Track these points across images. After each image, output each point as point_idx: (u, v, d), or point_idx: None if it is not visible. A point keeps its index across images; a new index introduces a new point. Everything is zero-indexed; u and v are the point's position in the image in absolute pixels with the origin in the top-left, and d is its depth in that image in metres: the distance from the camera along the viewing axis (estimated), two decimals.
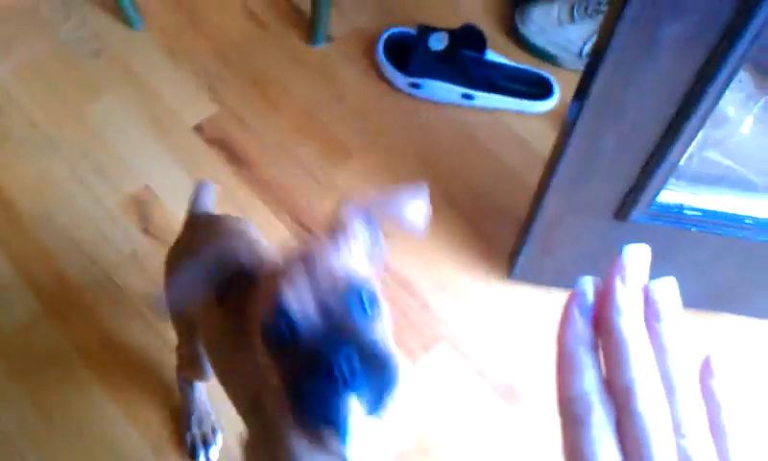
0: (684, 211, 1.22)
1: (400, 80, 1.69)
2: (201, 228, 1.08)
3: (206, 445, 1.27)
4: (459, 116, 1.69)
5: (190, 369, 1.21)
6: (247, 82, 1.71)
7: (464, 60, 1.63)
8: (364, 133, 1.65)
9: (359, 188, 1.57)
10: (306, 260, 0.68)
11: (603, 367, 0.33)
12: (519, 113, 1.69)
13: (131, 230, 1.51)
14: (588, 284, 0.35)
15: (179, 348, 1.21)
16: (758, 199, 1.26)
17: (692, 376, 0.33)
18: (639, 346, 0.32)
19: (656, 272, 1.10)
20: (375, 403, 0.64)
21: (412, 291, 1.47)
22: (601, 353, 0.33)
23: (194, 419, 1.28)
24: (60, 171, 1.57)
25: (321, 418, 0.64)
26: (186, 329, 1.11)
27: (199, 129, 1.63)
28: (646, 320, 0.33)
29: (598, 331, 0.33)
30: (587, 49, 1.71)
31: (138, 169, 1.58)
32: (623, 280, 0.34)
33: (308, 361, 0.63)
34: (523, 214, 1.37)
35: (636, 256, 0.34)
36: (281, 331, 0.65)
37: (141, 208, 1.53)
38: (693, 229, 1.23)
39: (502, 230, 1.53)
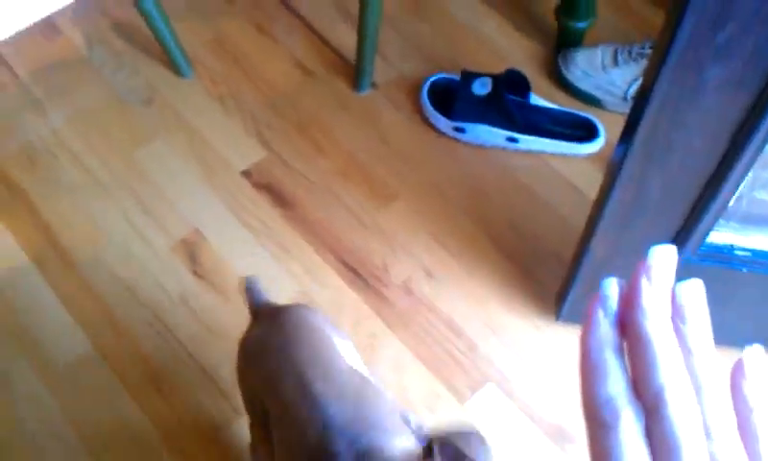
0: (735, 252, 1.21)
1: (444, 124, 1.71)
2: (272, 319, 1.03)
3: None
4: (504, 160, 1.70)
5: (263, 448, 1.10)
6: (293, 127, 1.74)
7: (508, 103, 1.65)
8: (408, 177, 1.67)
9: (404, 231, 1.59)
10: None
11: (629, 371, 0.32)
12: (565, 156, 1.69)
13: (180, 272, 1.54)
14: (613, 286, 0.34)
15: (251, 426, 1.15)
16: None
17: (720, 379, 0.32)
18: (667, 348, 0.31)
19: (711, 315, 1.07)
20: None
21: (459, 332, 1.47)
22: (627, 358, 0.33)
23: None
24: (111, 216, 1.61)
25: None
26: (260, 418, 1.02)
27: (247, 174, 1.67)
28: (673, 322, 0.33)
29: (624, 335, 0.33)
30: (631, 92, 1.71)
31: (187, 213, 1.61)
32: (649, 281, 0.33)
33: None
34: (570, 256, 1.37)
35: (663, 257, 0.33)
36: None
37: (190, 251, 1.56)
38: (744, 269, 1.21)
39: (549, 273, 1.53)
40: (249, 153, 1.70)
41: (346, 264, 1.55)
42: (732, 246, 1.20)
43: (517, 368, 1.43)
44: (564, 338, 1.47)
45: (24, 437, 1.36)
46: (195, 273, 1.53)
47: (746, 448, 0.31)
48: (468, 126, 1.68)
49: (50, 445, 1.35)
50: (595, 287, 1.19)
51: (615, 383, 0.31)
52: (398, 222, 1.61)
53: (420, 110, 1.76)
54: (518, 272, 1.54)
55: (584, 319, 0.33)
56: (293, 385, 0.88)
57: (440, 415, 1.38)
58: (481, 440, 0.78)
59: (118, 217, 1.61)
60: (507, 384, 1.41)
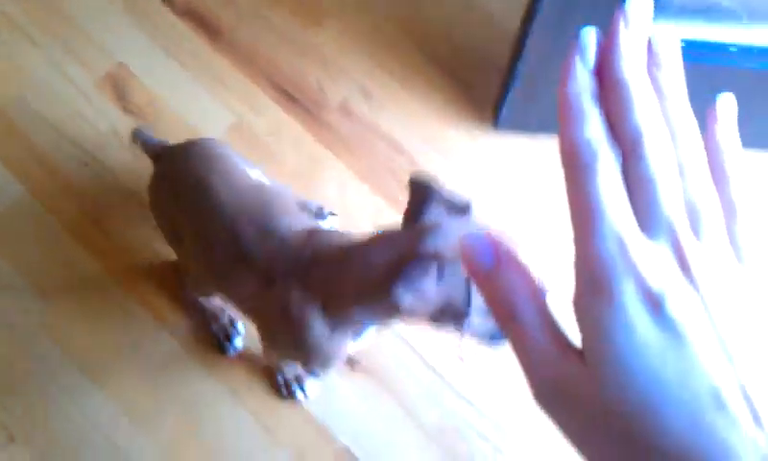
0: None
1: None
2: (175, 156, 1.09)
3: (230, 338, 1.30)
4: None
5: (197, 289, 1.24)
6: None
7: None
8: None
9: (338, 50, 1.54)
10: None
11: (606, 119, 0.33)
12: None
13: (108, 108, 1.48)
14: (591, 35, 0.34)
15: (181, 270, 1.25)
16: (742, 28, 1.24)
17: (693, 123, 0.33)
18: (644, 91, 0.32)
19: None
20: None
21: (399, 149, 1.47)
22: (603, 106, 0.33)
23: (210, 318, 1.31)
24: (31, 57, 1.53)
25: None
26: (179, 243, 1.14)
27: (168, 1, 1.58)
28: (648, 69, 0.33)
29: (601, 84, 0.33)
30: None
31: (111, 48, 1.54)
32: (626, 26, 0.33)
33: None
34: (505, 62, 1.35)
35: (639, 4, 0.33)
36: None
37: (118, 86, 1.50)
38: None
39: (485, 81, 1.52)
40: None
41: (281, 90, 1.51)
42: None
43: (459, 179, 1.45)
44: (503, 145, 1.48)
45: None
46: (125, 109, 1.48)
47: (717, 188, 0.32)
48: None
49: (4, 298, 1.34)
50: (533, 92, 1.19)
51: (594, 127, 0.32)
52: (331, 41, 1.56)
53: None
54: (456, 84, 1.53)
55: (562, 68, 0.33)
56: (207, 206, 0.99)
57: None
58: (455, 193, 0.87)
59: (39, 58, 1.53)
60: None
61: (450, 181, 1.44)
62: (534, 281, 0.34)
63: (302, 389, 1.26)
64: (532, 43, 1.19)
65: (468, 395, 1.30)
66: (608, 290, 0.30)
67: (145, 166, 1.21)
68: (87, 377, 1.29)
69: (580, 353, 0.31)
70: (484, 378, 1.31)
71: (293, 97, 1.50)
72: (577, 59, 0.33)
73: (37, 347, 1.31)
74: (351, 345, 0.96)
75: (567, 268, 1.37)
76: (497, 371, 1.31)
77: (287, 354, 1.03)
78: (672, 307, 0.29)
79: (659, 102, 0.32)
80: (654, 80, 0.33)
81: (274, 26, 1.56)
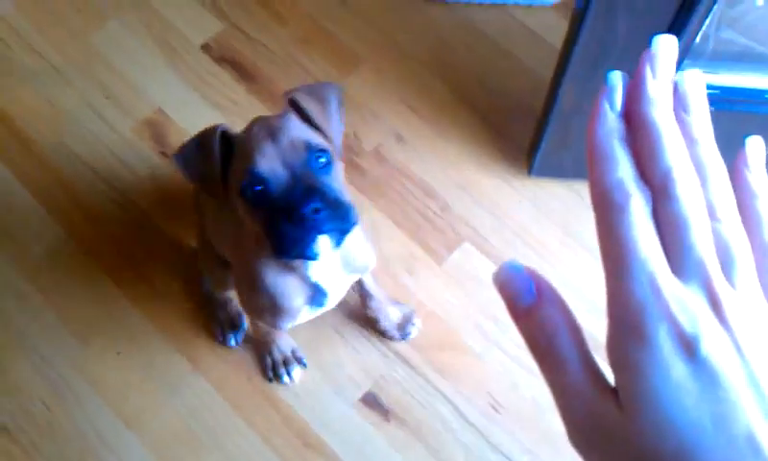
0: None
1: None
2: None
3: (235, 330, 1.36)
4: (468, 14, 1.66)
5: (223, 281, 1.29)
6: None
7: None
8: (372, 39, 1.63)
9: (372, 96, 1.56)
10: (270, 130, 0.87)
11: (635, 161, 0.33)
12: (529, 7, 1.66)
13: (146, 152, 1.51)
14: (618, 78, 0.34)
15: (204, 269, 1.32)
16: None
17: (722, 164, 0.33)
18: (672, 132, 0.32)
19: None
20: (338, 239, 0.88)
21: (432, 194, 1.47)
22: (632, 148, 0.33)
23: (219, 308, 1.36)
24: (70, 100, 1.57)
25: (297, 253, 0.86)
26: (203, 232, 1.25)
27: (206, 48, 1.62)
28: (675, 112, 0.33)
29: (629, 126, 0.33)
30: None
31: (149, 93, 1.57)
32: (653, 71, 0.33)
33: (283, 211, 0.83)
34: (539, 109, 1.36)
35: (666, 47, 0.33)
36: (256, 189, 0.85)
37: (156, 131, 1.53)
38: (712, 108, 1.21)
39: (520, 128, 1.52)
40: (206, 25, 1.65)
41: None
42: None
43: (492, 225, 1.45)
44: (537, 192, 1.48)
45: (9, 330, 1.37)
46: (161, 153, 1.51)
47: (749, 231, 0.32)
48: None
49: (36, 335, 1.36)
50: (566, 139, 1.20)
51: (624, 168, 0.32)
52: (366, 87, 1.58)
53: None
54: (489, 129, 1.54)
55: (591, 112, 0.34)
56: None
57: (418, 276, 1.40)
58: (330, 84, 0.96)
59: (79, 102, 1.57)
60: (482, 242, 1.43)
61: (484, 226, 1.44)
62: (573, 318, 0.34)
63: (289, 373, 1.31)
64: (564, 91, 1.20)
65: (505, 450, 1.28)
66: (642, 333, 0.30)
67: (182, 209, 1.23)
68: (122, 421, 1.30)
69: (617, 394, 0.31)
70: (522, 432, 1.29)
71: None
72: (605, 102, 0.33)
73: (73, 387, 1.32)
74: (308, 310, 1.04)
75: (602, 311, 1.36)
76: (537, 427, 1.30)
77: (251, 306, 1.09)
78: (706, 350, 0.29)
79: (688, 146, 0.32)
80: (681, 122, 0.33)
81: (309, 72, 1.59)
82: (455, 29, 1.64)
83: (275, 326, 1.08)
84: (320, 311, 1.07)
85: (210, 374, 1.34)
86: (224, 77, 1.59)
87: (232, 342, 1.35)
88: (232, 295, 1.34)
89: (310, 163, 0.86)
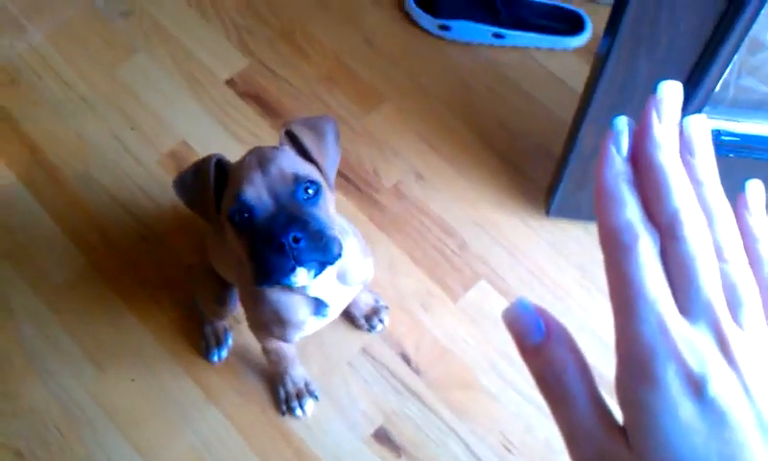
0: (722, 138, 1.21)
1: (429, 22, 1.68)
2: None
3: (219, 345, 1.37)
4: (490, 56, 1.68)
5: (215, 310, 1.33)
6: (275, 32, 1.71)
7: None
8: (395, 79, 1.65)
9: (393, 134, 1.58)
10: (261, 161, 0.89)
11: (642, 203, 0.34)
12: (551, 51, 1.68)
13: (169, 184, 1.53)
14: (624, 123, 0.35)
15: (198, 297, 1.36)
16: None
17: (728, 207, 0.33)
18: (679, 175, 0.33)
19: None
20: (318, 269, 0.89)
21: (450, 232, 1.48)
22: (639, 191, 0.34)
23: (206, 322, 1.38)
24: (97, 131, 1.60)
25: (274, 281, 0.88)
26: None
27: (231, 82, 1.65)
28: (681, 155, 0.34)
29: (637, 169, 0.34)
30: None
31: (174, 125, 1.60)
32: (659, 115, 0.34)
33: (265, 238, 0.85)
34: (559, 151, 1.37)
35: (671, 93, 0.34)
36: (243, 215, 0.88)
37: (180, 164, 1.55)
38: (731, 155, 1.22)
39: (538, 168, 1.53)
40: (232, 61, 1.68)
41: (337, 170, 1.54)
42: (719, 131, 1.20)
43: (509, 264, 1.45)
44: (555, 233, 1.48)
45: (27, 354, 1.38)
46: None
47: (754, 271, 0.33)
48: (454, 23, 1.66)
49: (53, 359, 1.38)
50: (585, 181, 1.21)
51: (631, 210, 0.33)
52: (387, 125, 1.60)
53: (403, 9, 1.73)
54: (508, 169, 1.55)
55: (599, 156, 0.35)
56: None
57: (434, 313, 1.40)
58: (327, 118, 0.99)
59: (105, 133, 1.60)
60: (499, 281, 1.43)
61: (501, 265, 1.44)
62: (582, 357, 0.34)
63: (302, 406, 1.32)
64: (584, 134, 1.21)
65: None
66: (650, 372, 0.30)
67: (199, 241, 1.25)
68: (134, 449, 1.31)
69: (626, 433, 0.32)
70: None
71: (348, 177, 1.53)
72: (611, 146, 0.34)
73: (87, 413, 1.33)
74: (313, 320, 1.06)
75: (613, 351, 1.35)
76: None
77: (257, 321, 1.10)
78: (714, 391, 0.29)
79: (695, 188, 0.33)
80: (687, 165, 0.34)
81: (331, 108, 1.61)
82: (477, 70, 1.66)
83: (283, 338, 1.10)
84: (325, 321, 1.09)
85: (223, 404, 1.34)
86: (247, 111, 1.61)
87: (215, 358, 1.37)
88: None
89: (297, 194, 0.89)
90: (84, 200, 1.53)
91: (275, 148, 0.93)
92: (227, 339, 1.38)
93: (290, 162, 0.91)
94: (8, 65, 1.68)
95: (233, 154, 1.53)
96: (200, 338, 1.39)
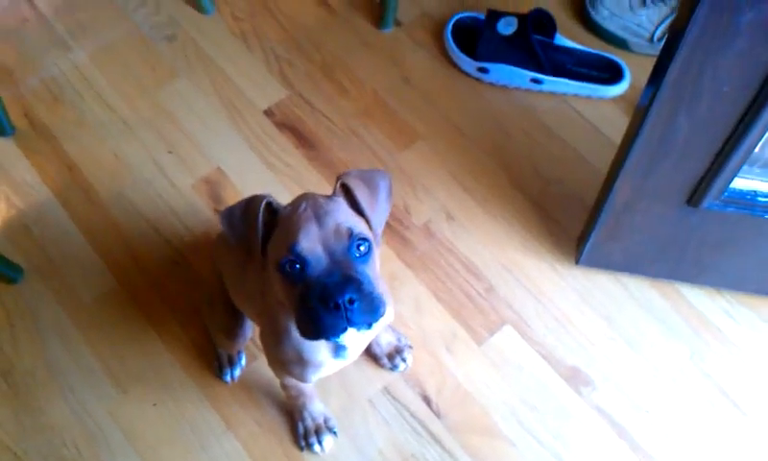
0: (758, 198, 1.19)
1: (468, 64, 1.69)
2: None
3: (232, 365, 1.38)
4: (528, 101, 1.68)
5: (226, 344, 1.34)
6: (316, 66, 1.73)
7: (533, 44, 1.62)
8: (431, 118, 1.66)
9: (426, 172, 1.58)
10: (317, 212, 0.88)
11: None
12: (589, 98, 1.67)
13: (203, 209, 1.55)
14: None
15: (212, 327, 1.36)
16: None
17: None
18: None
19: (727, 259, 1.10)
20: (366, 327, 0.88)
21: (478, 274, 1.47)
22: None
23: (223, 354, 1.39)
24: (135, 153, 1.62)
25: (324, 337, 0.87)
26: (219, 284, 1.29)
27: (269, 113, 1.66)
28: None
29: None
30: (658, 33, 1.68)
31: (211, 151, 1.62)
32: None
33: (318, 295, 0.84)
34: (592, 200, 1.36)
35: None
36: (293, 267, 0.86)
37: (213, 190, 1.57)
38: (767, 216, 1.20)
39: (570, 216, 1.52)
40: (271, 92, 1.70)
41: None
42: (755, 192, 1.19)
43: (535, 311, 1.44)
44: (583, 282, 1.47)
45: (52, 370, 1.39)
46: (216, 211, 1.54)
47: None
48: (493, 66, 1.67)
49: (76, 378, 1.39)
50: (617, 232, 1.20)
51: None
52: (420, 163, 1.60)
53: (443, 50, 1.74)
54: (539, 215, 1.54)
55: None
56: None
57: (457, 355, 1.40)
58: (382, 173, 0.98)
59: (142, 155, 1.62)
60: (524, 327, 1.42)
61: (527, 310, 1.43)
62: None
63: (320, 442, 1.31)
64: (620, 186, 1.20)
65: None
66: None
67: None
68: None
69: None
70: None
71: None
72: None
73: (106, 433, 1.34)
74: (332, 362, 1.06)
75: (642, 408, 1.34)
76: None
77: (277, 359, 1.09)
78: None
79: None
80: None
81: (367, 145, 1.62)
82: (513, 114, 1.66)
83: (301, 378, 1.09)
84: (344, 363, 1.08)
85: (242, 433, 1.34)
86: (283, 141, 1.63)
87: (228, 377, 1.37)
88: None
89: (351, 250, 0.88)
90: (118, 220, 1.54)
91: (329, 198, 0.92)
92: (240, 359, 1.39)
93: (345, 216, 0.90)
94: (51, 83, 1.71)
95: (267, 184, 1.55)
96: (214, 358, 1.39)
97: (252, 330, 1.34)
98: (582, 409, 1.35)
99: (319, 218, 0.88)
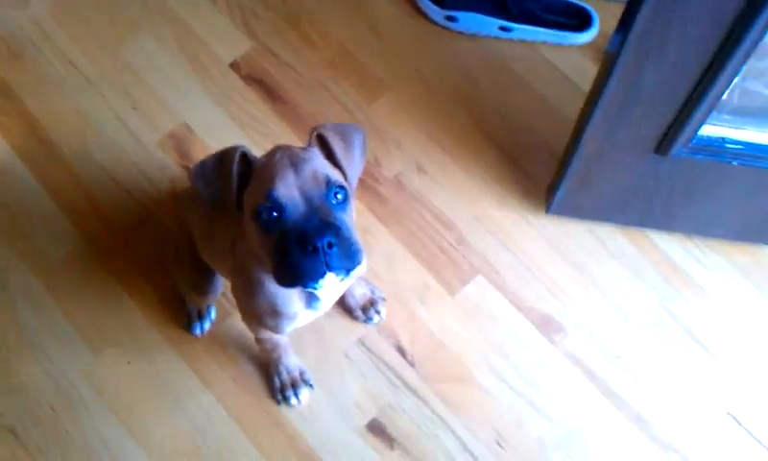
0: (726, 145, 1.20)
1: (436, 13, 1.67)
2: None
3: (201, 318, 1.38)
4: (496, 49, 1.67)
5: (195, 300, 1.35)
6: (281, 18, 1.70)
7: None
8: (400, 69, 1.64)
9: (396, 125, 1.57)
10: (293, 160, 0.88)
11: None
12: (558, 46, 1.67)
13: (170, 166, 1.53)
14: None
15: (179, 280, 1.35)
16: None
17: None
18: None
19: (696, 205, 1.10)
20: (344, 273, 0.89)
21: (449, 226, 1.48)
22: None
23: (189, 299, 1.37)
24: (98, 109, 1.59)
25: (303, 283, 0.87)
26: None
27: (235, 66, 1.63)
28: None
29: None
30: None
31: (176, 106, 1.59)
32: None
33: (296, 240, 0.84)
34: (561, 149, 1.37)
35: None
36: (271, 214, 0.86)
37: (180, 145, 1.55)
38: (735, 162, 1.21)
39: (540, 165, 1.53)
40: (236, 44, 1.66)
41: None
42: (723, 139, 1.20)
43: (507, 260, 1.45)
44: (554, 231, 1.48)
45: (22, 333, 1.38)
46: (184, 167, 1.52)
47: None
48: (461, 15, 1.65)
49: (48, 339, 1.37)
50: (586, 181, 1.20)
51: None
52: (390, 115, 1.59)
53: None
54: (509, 165, 1.54)
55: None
56: None
57: (430, 306, 1.40)
58: (357, 127, 0.98)
59: (105, 111, 1.59)
60: (496, 276, 1.43)
61: (499, 260, 1.44)
62: None
63: (297, 395, 1.32)
64: (589, 135, 1.20)
65: None
66: None
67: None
68: (127, 431, 1.31)
69: None
70: None
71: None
72: None
73: (81, 394, 1.33)
74: (305, 313, 1.06)
75: (613, 355, 1.36)
76: (537, 460, 1.30)
77: (250, 312, 1.10)
78: None
79: None
80: None
81: (336, 98, 1.60)
82: (482, 63, 1.65)
83: (276, 330, 1.10)
84: (317, 314, 1.09)
85: (219, 391, 1.34)
86: (250, 95, 1.60)
87: (197, 330, 1.38)
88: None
89: (328, 198, 0.88)
90: (83, 178, 1.52)
91: (304, 149, 0.92)
92: (209, 312, 1.39)
93: (321, 165, 0.90)
94: (10, 39, 1.66)
95: (235, 139, 1.53)
96: (183, 312, 1.39)
97: (222, 285, 1.33)
98: (554, 356, 1.37)
99: (295, 165, 0.88)
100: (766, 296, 1.42)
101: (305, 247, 0.84)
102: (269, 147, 0.95)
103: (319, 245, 0.83)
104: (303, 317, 1.08)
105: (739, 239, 1.45)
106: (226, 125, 1.57)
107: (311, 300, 1.04)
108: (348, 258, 0.87)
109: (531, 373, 1.36)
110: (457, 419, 1.32)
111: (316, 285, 0.89)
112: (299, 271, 0.86)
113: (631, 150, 1.23)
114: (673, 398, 1.34)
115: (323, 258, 0.84)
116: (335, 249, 0.85)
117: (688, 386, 1.35)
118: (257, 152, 0.94)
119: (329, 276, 0.87)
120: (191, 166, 0.99)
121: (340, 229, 0.86)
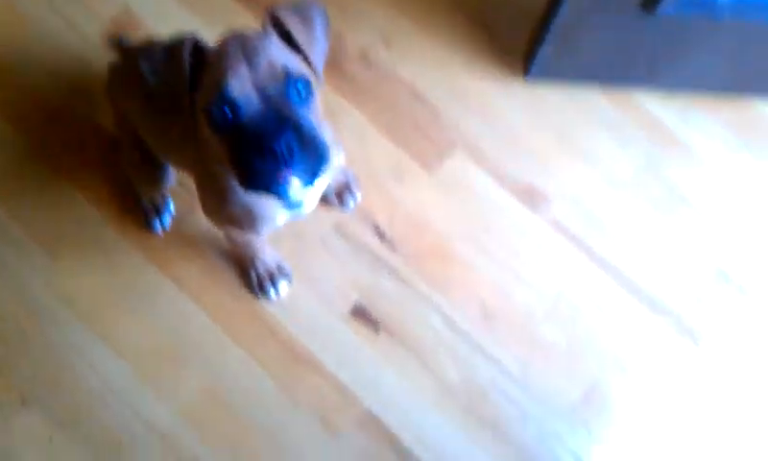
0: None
1: None
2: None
3: (159, 213, 1.30)
4: None
5: (149, 192, 1.28)
6: None
7: None
8: None
9: None
10: (246, 50, 0.79)
11: None
12: None
13: (111, 57, 1.41)
14: None
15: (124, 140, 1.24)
16: None
17: None
18: None
19: (686, 62, 1.03)
20: (310, 177, 0.81)
21: (422, 100, 1.40)
22: None
23: (142, 194, 1.30)
24: (32, 2, 1.46)
25: (264, 187, 0.80)
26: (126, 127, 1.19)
27: None
28: None
29: None
30: None
31: None
32: None
33: (252, 142, 0.77)
34: (536, 8, 1.29)
35: None
36: (224, 113, 0.78)
37: (123, 33, 1.43)
38: (725, 17, 1.16)
39: (514, 30, 1.45)
40: None
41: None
42: None
43: (485, 131, 1.39)
44: (532, 99, 1.41)
45: None
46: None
47: None
48: None
49: (5, 252, 1.29)
50: (568, 43, 1.12)
51: None
52: None
53: None
54: (482, 31, 1.46)
55: None
56: None
57: (407, 185, 1.35)
58: (315, 4, 0.87)
59: (41, 3, 1.45)
60: (475, 149, 1.37)
61: (477, 133, 1.38)
62: None
63: (276, 288, 1.27)
64: None
65: (497, 356, 1.26)
66: None
67: None
68: (98, 336, 1.26)
69: None
70: (513, 341, 1.27)
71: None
72: None
73: (44, 303, 1.27)
74: (286, 214, 0.99)
75: (599, 221, 1.33)
76: (529, 336, 1.27)
77: (222, 218, 1.04)
78: None
79: None
80: None
81: None
82: None
83: (252, 232, 1.04)
84: (300, 215, 1.01)
85: (190, 287, 1.28)
86: None
87: (157, 226, 1.31)
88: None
89: (288, 93, 0.79)
90: (22, 77, 1.41)
91: (260, 35, 0.82)
92: (167, 206, 1.31)
93: (279, 54, 0.80)
94: None
95: (184, 24, 1.42)
96: (138, 210, 1.31)
97: (175, 173, 1.25)
98: (538, 226, 1.33)
99: (248, 57, 0.79)
100: (752, 151, 1.39)
101: (261, 150, 0.76)
102: (221, 29, 0.87)
103: (276, 147, 0.75)
104: (284, 218, 1.00)
105: (725, 93, 1.40)
106: (172, 7, 1.45)
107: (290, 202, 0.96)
108: (314, 160, 0.79)
109: (515, 244, 1.32)
110: (442, 297, 1.29)
111: (283, 192, 0.81)
112: (258, 177, 0.78)
113: (616, 9, 1.17)
114: (662, 258, 1.32)
115: (283, 162, 0.77)
116: (296, 150, 0.77)
117: (677, 245, 1.33)
118: (211, 37, 0.85)
119: (294, 181, 0.79)
120: (137, 54, 0.88)
121: (302, 126, 0.78)
